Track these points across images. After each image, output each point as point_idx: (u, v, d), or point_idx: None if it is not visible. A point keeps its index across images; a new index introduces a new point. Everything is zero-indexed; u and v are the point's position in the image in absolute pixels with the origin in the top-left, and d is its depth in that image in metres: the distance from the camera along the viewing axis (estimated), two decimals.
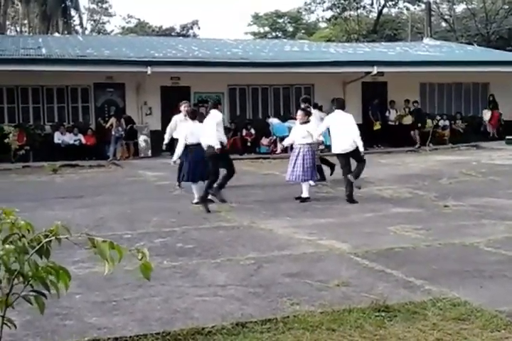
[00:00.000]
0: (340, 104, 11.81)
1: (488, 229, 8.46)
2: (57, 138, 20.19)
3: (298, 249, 7.46)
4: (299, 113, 11.95)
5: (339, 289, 5.69)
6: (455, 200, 10.86)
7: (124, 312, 5.17)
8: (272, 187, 12.80)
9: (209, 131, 10.92)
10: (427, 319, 4.87)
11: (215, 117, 11.27)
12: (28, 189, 13.76)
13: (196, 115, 11.70)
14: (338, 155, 11.50)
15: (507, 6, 46.14)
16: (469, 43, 36.83)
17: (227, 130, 16.98)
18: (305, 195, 11.25)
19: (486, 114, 24.61)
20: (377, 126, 22.83)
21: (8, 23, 49.27)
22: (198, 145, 11.06)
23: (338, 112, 11.59)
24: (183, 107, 13.18)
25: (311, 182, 11.86)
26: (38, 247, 2.34)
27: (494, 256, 6.89)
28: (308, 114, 11.90)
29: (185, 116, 12.42)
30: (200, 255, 7.21)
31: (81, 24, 54.34)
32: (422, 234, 8.12)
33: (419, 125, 22.61)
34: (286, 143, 12.26)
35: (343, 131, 11.17)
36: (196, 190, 11.10)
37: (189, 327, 4.74)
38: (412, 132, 22.52)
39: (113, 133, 19.86)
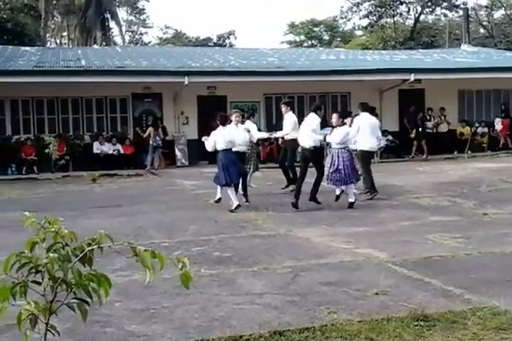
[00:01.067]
0: (364, 107, 12.91)
1: None
2: (96, 147, 20.50)
3: (335, 257, 7.44)
4: (334, 115, 12.09)
5: (377, 298, 5.66)
6: (494, 208, 10.72)
7: (162, 320, 5.22)
8: (308, 195, 12.77)
9: (305, 133, 11.41)
10: (467, 328, 4.82)
11: (314, 120, 11.60)
12: (68, 198, 13.98)
13: (226, 121, 11.94)
14: (364, 153, 12.44)
15: None
16: (508, 49, 36.36)
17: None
18: (351, 199, 11.40)
19: (498, 123, 24.01)
20: (411, 135, 22.69)
21: (48, 35, 50.19)
22: (229, 150, 11.51)
23: (364, 114, 12.73)
24: (234, 117, 12.62)
25: (355, 190, 11.91)
26: (81, 255, 2.40)
27: None
28: (342, 116, 12.21)
29: (236, 124, 12.44)
30: (237, 263, 7.24)
31: (122, 36, 55.16)
32: (460, 243, 8.03)
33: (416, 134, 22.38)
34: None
35: (370, 131, 12.44)
36: (233, 195, 11.22)
37: (227, 335, 4.76)
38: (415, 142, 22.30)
39: (151, 142, 20.08)
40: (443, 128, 23.15)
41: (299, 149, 12.00)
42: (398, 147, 22.19)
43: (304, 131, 11.58)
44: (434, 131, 23.15)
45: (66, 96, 21.09)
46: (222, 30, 64.89)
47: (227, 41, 62.32)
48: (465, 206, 11.17)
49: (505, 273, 6.45)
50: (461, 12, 42.33)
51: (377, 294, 5.74)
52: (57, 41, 55.66)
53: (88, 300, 2.47)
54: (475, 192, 12.83)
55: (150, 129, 20.49)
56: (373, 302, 5.56)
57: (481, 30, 51.33)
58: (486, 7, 50.41)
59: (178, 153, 21.28)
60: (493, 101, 24.99)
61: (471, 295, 5.67)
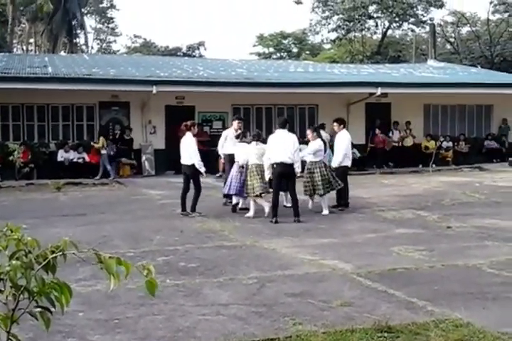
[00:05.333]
0: (344, 123, 13.17)
1: (491, 250, 8.45)
2: (61, 155, 20.24)
3: (301, 268, 7.45)
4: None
5: (342, 309, 5.68)
6: (458, 221, 10.86)
7: (126, 331, 5.16)
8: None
9: (286, 150, 11.33)
10: (430, 340, 4.86)
11: (294, 139, 11.65)
12: (31, 206, 13.79)
13: (260, 137, 12.42)
14: (346, 168, 12.89)
15: (511, 29, 46.44)
16: (473, 65, 36.99)
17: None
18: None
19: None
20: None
21: (15, 41, 49.68)
22: None
23: (344, 131, 12.94)
24: (237, 123, 13.41)
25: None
26: (44, 263, 2.37)
27: (497, 278, 6.88)
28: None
29: (237, 134, 12.86)
30: (203, 274, 7.21)
31: (86, 43, 54.75)
32: (424, 255, 8.11)
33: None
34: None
35: (350, 146, 13.07)
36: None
37: None
38: None
39: (104, 152, 19.95)
40: (408, 142, 23.46)
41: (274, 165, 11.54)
42: (364, 160, 22.38)
43: (284, 148, 11.34)
44: (400, 144, 23.43)
45: (32, 103, 20.83)
46: (192, 41, 64.87)
47: (196, 52, 62.29)
48: (429, 219, 11.30)
49: (467, 286, 6.53)
50: (427, 28, 42.97)
51: (341, 305, 5.76)
52: (24, 47, 55.09)
53: (51, 308, 2.43)
54: (439, 206, 12.99)
55: (102, 139, 20.30)
56: (338, 313, 5.58)
57: (447, 46, 52.13)
58: (453, 23, 51.30)
59: (144, 162, 21.15)
60: (457, 116, 25.38)
61: (434, 307, 5.72)
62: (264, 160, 11.55)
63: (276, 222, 11.02)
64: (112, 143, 20.37)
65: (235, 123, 13.50)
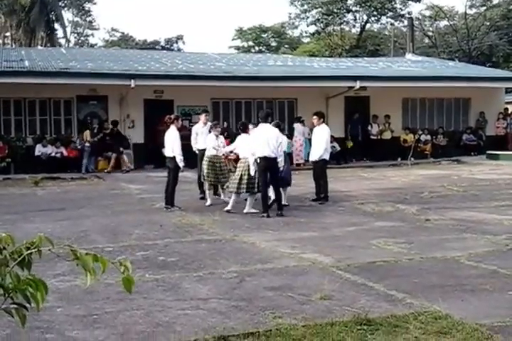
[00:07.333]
0: (323, 117, 13.25)
1: (469, 243, 8.51)
2: (38, 150, 20.05)
3: (280, 262, 7.45)
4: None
5: (322, 302, 5.69)
6: (436, 214, 10.93)
7: (105, 326, 5.13)
8: (256, 201, 12.80)
9: (270, 145, 11.26)
10: (409, 332, 4.88)
11: (277, 133, 11.61)
12: (8, 201, 13.64)
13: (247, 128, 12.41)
14: (326, 162, 12.99)
15: (488, 23, 46.78)
16: (451, 59, 37.26)
17: None
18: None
19: None
20: (349, 144, 23.16)
21: None
22: None
23: (324, 125, 12.95)
24: (204, 116, 13.67)
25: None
26: (19, 259, 2.33)
27: (475, 270, 6.93)
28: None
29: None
30: (182, 268, 7.18)
31: (65, 37, 54.26)
32: (403, 248, 8.15)
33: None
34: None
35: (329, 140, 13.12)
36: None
37: (171, 340, 4.71)
38: None
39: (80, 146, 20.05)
40: (387, 135, 23.57)
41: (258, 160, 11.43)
42: (343, 153, 22.44)
43: (267, 142, 11.28)
44: (378, 138, 23.54)
45: (8, 98, 20.61)
46: (170, 34, 64.54)
47: (175, 45, 62.03)
48: (408, 212, 11.35)
49: (446, 278, 6.57)
50: (406, 21, 43.13)
51: (321, 299, 5.77)
52: (0, 41, 54.43)
53: (27, 305, 2.39)
54: (418, 199, 13.06)
55: (87, 133, 20.25)
56: (318, 306, 5.59)
57: (426, 40, 52.41)
58: (430, 17, 51.56)
59: (123, 156, 21.01)
60: (436, 109, 25.53)
61: (413, 299, 5.75)
62: (249, 156, 11.49)
63: (268, 216, 10.94)
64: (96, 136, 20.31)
65: (203, 117, 13.67)
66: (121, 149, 20.35)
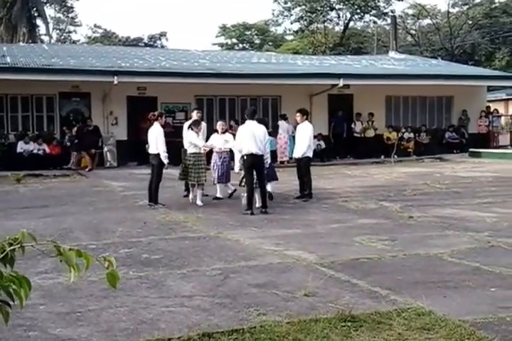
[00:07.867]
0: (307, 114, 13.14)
1: (452, 239, 8.56)
2: (20, 147, 19.91)
3: (264, 259, 7.45)
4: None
5: (306, 299, 5.70)
6: (420, 211, 10.98)
7: (88, 323, 5.10)
8: (239, 198, 12.80)
9: (256, 141, 11.23)
10: (392, 329, 4.90)
11: (264, 130, 11.58)
12: None
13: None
14: (310, 159, 12.98)
15: (470, 21, 47.09)
16: (433, 57, 37.46)
17: None
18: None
19: None
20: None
21: None
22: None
23: (307, 122, 12.88)
24: (196, 113, 13.53)
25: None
26: (2, 255, 2.31)
27: (458, 267, 6.97)
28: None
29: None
30: (166, 265, 7.16)
31: (47, 33, 53.77)
32: (387, 245, 8.18)
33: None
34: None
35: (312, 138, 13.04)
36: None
37: (155, 337, 4.69)
38: None
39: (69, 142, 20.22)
40: (370, 133, 23.68)
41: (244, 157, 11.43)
42: (326, 151, 22.51)
43: (254, 139, 11.26)
44: (362, 135, 23.64)
45: None
46: (154, 31, 64.01)
47: (158, 42, 61.76)
48: (391, 209, 11.40)
49: (429, 275, 6.60)
50: (389, 20, 43.34)
51: (305, 295, 5.78)
52: None
53: (10, 302, 2.37)
54: (401, 196, 13.12)
55: (76, 128, 20.34)
56: (302, 303, 5.59)
57: (408, 38, 52.68)
58: (413, 16, 51.81)
59: (106, 153, 20.92)
60: (419, 107, 25.67)
61: (396, 296, 5.77)
62: (235, 152, 11.50)
63: (252, 213, 10.93)
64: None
65: (194, 114, 13.58)
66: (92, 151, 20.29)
